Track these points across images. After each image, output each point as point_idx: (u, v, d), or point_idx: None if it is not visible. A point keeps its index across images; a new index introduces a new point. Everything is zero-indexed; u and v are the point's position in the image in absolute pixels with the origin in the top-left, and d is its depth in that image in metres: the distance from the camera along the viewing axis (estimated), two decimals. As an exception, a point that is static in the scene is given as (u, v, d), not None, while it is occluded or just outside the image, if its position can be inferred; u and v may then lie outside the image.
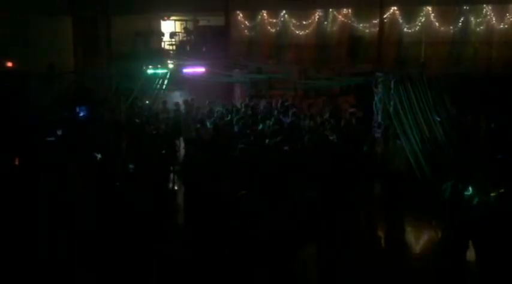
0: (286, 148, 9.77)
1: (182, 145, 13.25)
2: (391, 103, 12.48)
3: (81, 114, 14.81)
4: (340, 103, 17.75)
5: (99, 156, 9.93)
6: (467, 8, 20.08)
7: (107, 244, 7.79)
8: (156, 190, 8.84)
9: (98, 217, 8.07)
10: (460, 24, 20.15)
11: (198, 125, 12.36)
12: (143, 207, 8.21)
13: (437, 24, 20.28)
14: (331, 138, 11.34)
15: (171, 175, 10.69)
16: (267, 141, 10.44)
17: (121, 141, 11.25)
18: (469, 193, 7.68)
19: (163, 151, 9.75)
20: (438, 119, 11.93)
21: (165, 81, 16.99)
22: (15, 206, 8.37)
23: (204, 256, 7.68)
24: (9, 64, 16.89)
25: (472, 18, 20.15)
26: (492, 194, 7.57)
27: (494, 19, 20.02)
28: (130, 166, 9.44)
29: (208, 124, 12.91)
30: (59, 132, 12.04)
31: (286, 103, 15.82)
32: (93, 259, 7.53)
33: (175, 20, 22.72)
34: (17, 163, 10.34)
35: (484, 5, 20.00)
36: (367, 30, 21.01)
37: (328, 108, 16.02)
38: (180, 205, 9.78)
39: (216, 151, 10.01)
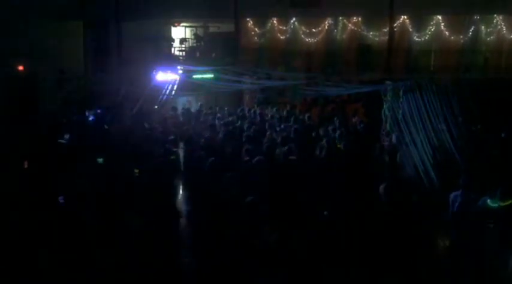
0: (293, 157, 9.73)
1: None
2: (400, 111, 12.44)
3: (90, 119, 14.87)
4: (348, 111, 17.73)
5: (103, 159, 9.96)
6: (478, 17, 20.06)
7: (111, 245, 7.77)
8: (162, 196, 8.82)
9: (103, 219, 8.07)
10: (470, 33, 20.12)
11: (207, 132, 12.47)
12: (148, 210, 8.19)
13: (447, 33, 20.27)
14: (339, 146, 11.32)
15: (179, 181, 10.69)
16: (277, 150, 10.43)
17: (129, 146, 11.26)
18: (490, 205, 7.64)
19: (173, 157, 9.78)
20: (444, 127, 11.90)
21: (174, 87, 17.04)
22: (26, 206, 8.40)
23: (209, 264, 7.67)
24: (20, 68, 17.01)
25: (483, 28, 20.13)
26: (502, 204, 7.53)
27: (504, 29, 19.98)
28: (136, 171, 9.44)
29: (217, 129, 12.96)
30: (67, 136, 12.09)
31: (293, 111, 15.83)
32: (93, 262, 7.52)
33: (185, 26, 22.81)
34: (26, 165, 10.38)
35: (495, 15, 19.96)
36: (376, 39, 21.03)
37: (336, 115, 15.98)
38: (187, 210, 9.78)
39: (224, 157, 10.02)
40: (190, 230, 9.15)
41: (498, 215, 7.46)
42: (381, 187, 7.96)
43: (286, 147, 10.07)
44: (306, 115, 14.96)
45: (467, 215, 7.51)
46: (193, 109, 17.00)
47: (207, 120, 14.43)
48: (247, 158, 9.67)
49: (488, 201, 7.64)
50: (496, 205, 7.58)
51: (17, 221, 8.12)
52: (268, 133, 12.26)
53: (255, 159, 9.34)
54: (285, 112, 15.65)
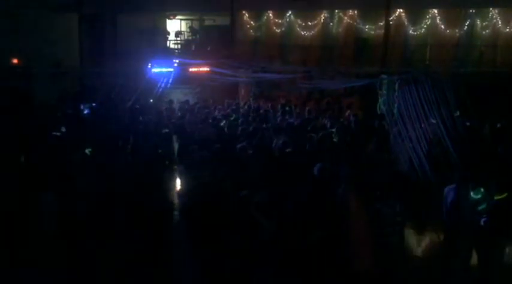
0: (289, 150, 9.73)
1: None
2: (395, 105, 12.46)
3: (85, 112, 14.84)
4: (344, 105, 17.74)
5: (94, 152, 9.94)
6: (473, 11, 20.07)
7: (105, 241, 7.77)
8: (155, 188, 8.82)
9: (98, 214, 8.06)
10: (465, 27, 20.14)
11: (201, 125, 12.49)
12: (142, 204, 8.19)
13: (443, 26, 20.28)
14: (334, 140, 11.31)
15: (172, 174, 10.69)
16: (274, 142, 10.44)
17: (124, 139, 11.25)
18: (472, 197, 7.67)
19: (160, 151, 9.80)
20: (434, 121, 11.93)
21: (170, 80, 17.02)
22: (21, 202, 8.39)
23: (204, 257, 7.67)
24: (15, 61, 16.96)
25: (478, 21, 20.15)
26: (496, 197, 7.56)
27: (500, 22, 20.00)
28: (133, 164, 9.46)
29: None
30: (63, 129, 12.07)
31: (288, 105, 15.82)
32: (90, 256, 7.51)
33: (181, 19, 22.76)
34: (22, 159, 10.36)
35: (490, 9, 19.98)
36: (372, 32, 21.03)
37: (332, 109, 15.99)
38: (180, 203, 9.77)
39: (219, 151, 10.02)
40: (183, 223, 9.15)
41: (490, 208, 7.51)
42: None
43: (281, 141, 10.07)
44: (306, 109, 14.92)
45: (461, 209, 7.54)
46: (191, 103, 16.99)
47: (202, 114, 14.41)
48: (242, 152, 9.67)
49: (471, 193, 7.68)
50: (478, 196, 7.62)
51: (13, 214, 8.12)
52: (263, 126, 12.26)
53: (238, 146, 9.39)
54: (279, 106, 15.63)
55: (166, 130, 12.07)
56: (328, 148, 10.33)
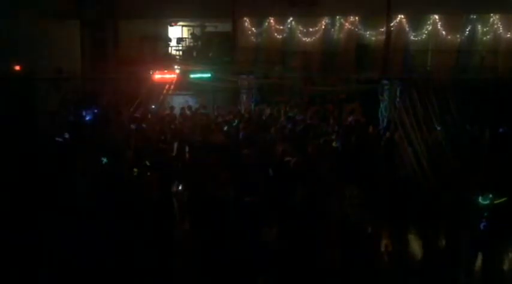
0: (288, 158, 9.70)
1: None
2: (396, 110, 12.48)
3: (87, 118, 14.85)
4: (345, 110, 17.73)
5: (105, 159, 9.95)
6: (475, 16, 20.10)
7: (108, 248, 7.78)
8: (159, 195, 8.82)
9: (101, 220, 8.07)
10: (467, 32, 20.16)
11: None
12: (146, 210, 8.19)
13: (444, 32, 20.30)
14: (334, 145, 11.30)
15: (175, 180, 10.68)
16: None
17: (127, 145, 11.26)
18: (481, 203, 7.69)
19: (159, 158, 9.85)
20: (438, 128, 11.94)
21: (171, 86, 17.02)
22: (22, 208, 8.40)
23: (208, 263, 7.66)
24: (17, 67, 16.97)
25: (479, 27, 20.17)
26: (496, 202, 7.58)
27: (501, 28, 20.02)
28: (135, 169, 9.45)
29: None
30: (66, 135, 12.10)
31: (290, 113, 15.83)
32: (93, 264, 7.51)
33: (182, 26, 22.79)
34: (24, 166, 10.37)
35: (491, 14, 20.00)
36: (373, 38, 21.02)
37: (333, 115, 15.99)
38: (184, 210, 9.77)
39: (222, 157, 10.02)
40: (186, 229, 9.16)
41: (490, 212, 7.53)
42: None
43: (281, 148, 10.06)
44: (308, 115, 14.92)
45: (462, 214, 7.56)
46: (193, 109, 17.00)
47: (204, 119, 14.43)
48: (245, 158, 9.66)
49: (480, 198, 7.70)
50: (487, 202, 7.65)
51: (18, 222, 8.13)
52: (264, 133, 12.26)
53: (243, 152, 9.41)
54: (282, 112, 15.65)
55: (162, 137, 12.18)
56: (329, 154, 10.34)
